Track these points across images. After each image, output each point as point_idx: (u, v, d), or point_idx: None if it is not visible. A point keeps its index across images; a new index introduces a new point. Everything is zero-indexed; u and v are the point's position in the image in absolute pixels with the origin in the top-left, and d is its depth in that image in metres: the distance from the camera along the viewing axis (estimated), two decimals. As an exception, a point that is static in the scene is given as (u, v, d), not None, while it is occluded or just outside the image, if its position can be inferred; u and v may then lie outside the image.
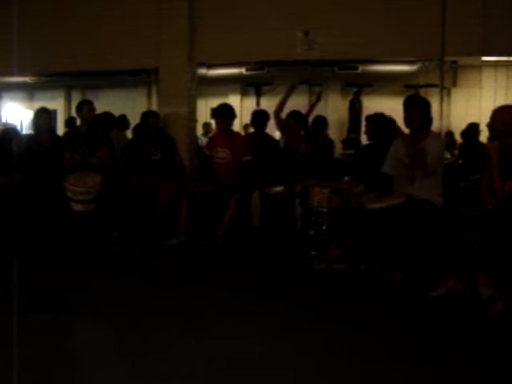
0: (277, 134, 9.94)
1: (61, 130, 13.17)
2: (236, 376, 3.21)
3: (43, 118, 7.00)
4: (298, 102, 11.71)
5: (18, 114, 14.46)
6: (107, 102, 8.43)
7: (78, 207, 6.18)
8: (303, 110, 7.46)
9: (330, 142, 8.18)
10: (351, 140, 11.58)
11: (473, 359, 3.41)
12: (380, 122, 6.70)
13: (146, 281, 5.14)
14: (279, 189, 6.37)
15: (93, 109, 6.93)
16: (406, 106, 5.39)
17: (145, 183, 6.94)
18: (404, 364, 3.35)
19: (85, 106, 6.89)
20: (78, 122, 7.23)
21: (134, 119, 8.60)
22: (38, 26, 8.57)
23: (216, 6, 7.96)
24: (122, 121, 9.19)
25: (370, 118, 7.05)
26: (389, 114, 6.53)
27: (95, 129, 6.87)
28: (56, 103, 15.20)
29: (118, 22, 8.30)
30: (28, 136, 7.82)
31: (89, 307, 4.34)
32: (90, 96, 7.58)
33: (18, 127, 10.06)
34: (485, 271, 4.33)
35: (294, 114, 6.66)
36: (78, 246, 6.15)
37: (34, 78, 12.41)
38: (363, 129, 7.27)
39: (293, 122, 6.58)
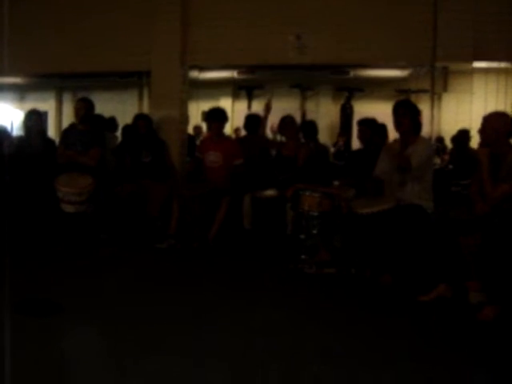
0: (269, 134, 9.93)
1: (52, 131, 13.13)
2: (228, 375, 3.23)
3: (34, 119, 6.99)
4: (290, 106, 11.78)
5: (9, 115, 14.38)
6: (98, 104, 8.38)
7: (68, 208, 6.16)
8: (295, 115, 7.51)
9: (325, 148, 8.18)
10: (340, 150, 11.50)
11: (464, 363, 3.43)
12: (375, 127, 6.72)
13: (136, 284, 5.13)
14: (270, 192, 6.39)
15: (86, 106, 6.97)
16: (396, 111, 5.41)
17: (135, 185, 6.93)
18: (396, 368, 3.36)
19: (79, 103, 7.00)
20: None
21: (126, 121, 8.59)
22: (29, 27, 8.57)
23: (208, 10, 7.97)
24: (112, 123, 9.18)
25: (366, 122, 6.92)
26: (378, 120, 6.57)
27: (91, 128, 6.88)
28: (47, 104, 15.15)
29: (109, 23, 8.32)
30: (19, 137, 7.80)
31: (79, 310, 4.31)
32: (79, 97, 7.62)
33: (9, 128, 10.00)
34: (475, 276, 4.36)
35: (288, 116, 6.84)
36: (68, 249, 6.13)
37: (24, 79, 12.36)
38: (356, 133, 7.17)
39: (289, 121, 6.76)
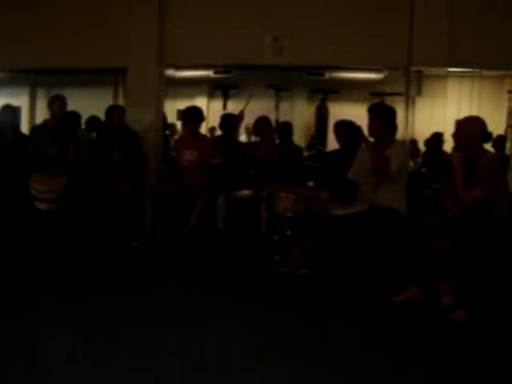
0: (243, 138, 9.96)
1: (25, 127, 12.98)
2: (199, 377, 3.25)
3: (8, 114, 6.95)
4: (265, 107, 11.78)
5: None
6: (72, 101, 8.31)
7: (41, 206, 6.14)
8: (270, 115, 7.53)
9: (299, 149, 8.20)
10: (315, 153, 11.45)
11: (435, 366, 3.48)
12: (353, 129, 6.71)
13: (109, 282, 5.13)
14: (245, 193, 6.40)
15: (64, 104, 6.95)
16: (370, 114, 5.44)
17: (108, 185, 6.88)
18: (366, 370, 3.40)
19: (56, 101, 6.89)
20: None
21: (100, 118, 8.52)
22: (3, 22, 8.47)
23: (186, 8, 7.96)
24: (94, 121, 9.05)
25: (344, 124, 6.85)
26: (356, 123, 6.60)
27: (65, 126, 6.84)
28: (20, 100, 14.97)
29: (85, 19, 8.26)
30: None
31: (51, 308, 4.28)
32: (55, 94, 7.50)
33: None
34: (446, 279, 4.41)
35: (263, 117, 6.95)
36: (41, 246, 6.07)
37: (-2, 74, 12.21)
38: (333, 135, 7.13)
39: (264, 122, 6.80)
